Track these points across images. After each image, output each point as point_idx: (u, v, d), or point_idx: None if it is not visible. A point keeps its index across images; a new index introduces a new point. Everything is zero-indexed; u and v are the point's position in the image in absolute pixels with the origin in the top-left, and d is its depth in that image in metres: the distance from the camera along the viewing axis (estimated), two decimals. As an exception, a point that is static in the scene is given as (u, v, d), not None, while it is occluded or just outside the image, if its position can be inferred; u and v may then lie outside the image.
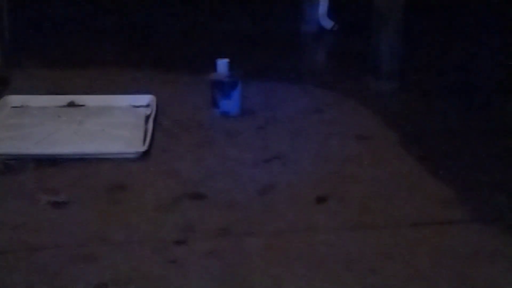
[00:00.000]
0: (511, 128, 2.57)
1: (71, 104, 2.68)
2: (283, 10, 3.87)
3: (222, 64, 2.66)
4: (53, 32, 3.57)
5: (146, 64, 3.12)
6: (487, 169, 2.26)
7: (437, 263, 1.79)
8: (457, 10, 3.86)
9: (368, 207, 2.04)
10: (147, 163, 2.29)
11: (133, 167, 2.26)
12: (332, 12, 3.61)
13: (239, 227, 1.94)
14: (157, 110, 2.60)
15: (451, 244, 1.88)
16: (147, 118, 2.57)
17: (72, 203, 2.04)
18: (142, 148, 2.33)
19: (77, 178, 2.19)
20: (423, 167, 2.27)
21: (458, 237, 1.91)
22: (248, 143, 2.44)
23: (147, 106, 2.66)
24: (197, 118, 2.61)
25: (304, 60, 3.39)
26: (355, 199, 2.09)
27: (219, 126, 2.56)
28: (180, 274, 1.75)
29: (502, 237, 1.91)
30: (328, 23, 3.61)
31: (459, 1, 3.96)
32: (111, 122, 2.52)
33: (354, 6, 3.74)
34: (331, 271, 1.76)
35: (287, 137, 2.48)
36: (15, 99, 2.68)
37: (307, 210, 2.03)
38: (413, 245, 1.87)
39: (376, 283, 1.72)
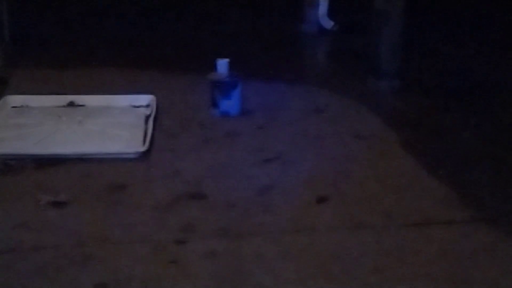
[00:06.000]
0: (511, 128, 2.57)
1: (71, 104, 2.68)
2: (283, 10, 3.87)
3: (222, 64, 2.66)
4: (53, 32, 3.57)
5: (146, 64, 3.12)
6: (487, 169, 2.26)
7: (437, 263, 1.79)
8: (457, 10, 3.86)
9: (368, 207, 2.04)
10: (147, 163, 2.29)
11: (133, 167, 2.26)
12: (332, 12, 3.61)
13: (239, 227, 1.94)
14: (157, 110, 2.60)
15: (451, 244, 1.88)
16: (147, 118, 2.57)
17: (72, 203, 2.04)
18: (142, 148, 2.33)
19: (77, 178, 2.19)
20: (423, 167, 2.27)
21: (458, 237, 1.91)
22: (248, 143, 2.44)
23: (147, 106, 2.66)
24: (197, 118, 2.61)
25: (304, 60, 3.39)
26: (355, 199, 2.09)
27: (219, 126, 2.56)
28: (180, 274, 1.75)
29: (502, 237, 1.91)
30: (328, 23, 3.61)
31: (459, 1, 3.96)
32: (111, 122, 2.52)
33: (354, 6, 3.73)
34: (331, 271, 1.76)
35: (287, 137, 2.48)
36: (15, 99, 2.68)
37: (307, 210, 2.03)
38: (413, 245, 1.87)
39: (376, 283, 1.72)
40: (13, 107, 2.66)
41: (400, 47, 2.91)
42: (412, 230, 1.94)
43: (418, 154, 2.35)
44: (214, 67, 2.67)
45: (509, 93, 2.89)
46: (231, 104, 2.62)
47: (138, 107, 2.67)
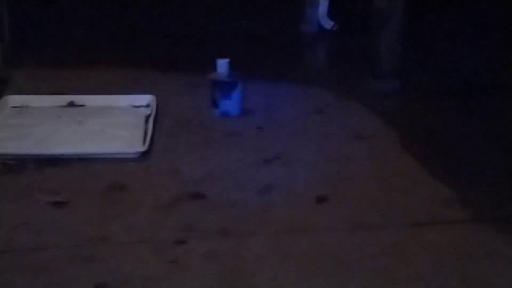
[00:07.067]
0: (511, 128, 2.57)
1: (71, 104, 2.68)
2: (283, 10, 3.87)
3: (222, 64, 2.66)
4: (53, 32, 3.57)
5: (146, 64, 3.12)
6: (487, 169, 2.26)
7: (437, 263, 1.80)
8: (457, 10, 3.86)
9: (368, 207, 2.04)
10: (147, 163, 2.29)
11: (133, 167, 2.26)
12: (332, 12, 3.61)
13: (239, 227, 1.94)
14: (157, 110, 2.61)
15: (451, 244, 1.88)
16: (147, 118, 2.57)
17: (72, 203, 2.04)
18: (142, 148, 2.33)
19: (77, 178, 2.19)
20: (423, 167, 2.27)
21: (458, 237, 1.91)
22: (248, 143, 2.44)
23: (147, 106, 2.66)
24: (197, 118, 2.61)
25: (304, 60, 3.39)
26: (355, 199, 2.09)
27: (219, 126, 2.56)
28: (180, 274, 1.75)
29: (502, 237, 1.91)
30: (328, 23, 3.61)
31: (459, 1, 3.96)
32: (111, 122, 2.52)
33: (354, 6, 3.73)
34: (331, 271, 1.76)
35: (287, 137, 2.48)
36: (15, 99, 2.68)
37: (307, 210, 2.03)
38: (413, 245, 1.88)
39: (376, 283, 1.72)
40: (13, 107, 2.66)
41: (400, 47, 2.91)
42: (412, 230, 1.94)
43: (418, 154, 2.35)
44: (214, 67, 2.67)
45: (509, 93, 2.89)
46: (231, 104, 2.62)
47: (138, 107, 2.67)
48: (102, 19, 3.80)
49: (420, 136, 2.50)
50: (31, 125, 2.50)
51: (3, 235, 1.89)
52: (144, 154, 2.32)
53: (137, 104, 2.68)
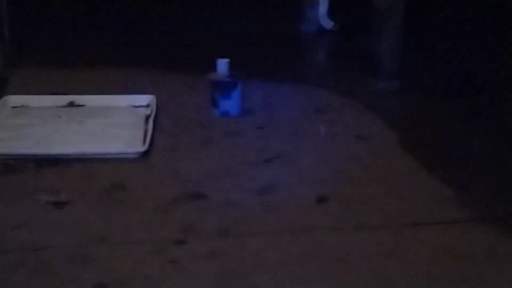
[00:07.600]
0: (511, 128, 2.57)
1: (71, 104, 2.68)
2: (283, 10, 3.87)
3: (222, 64, 2.66)
4: (53, 32, 3.57)
5: (146, 64, 3.12)
6: (487, 169, 2.26)
7: (437, 263, 1.80)
8: (456, 10, 3.86)
9: (368, 207, 2.04)
10: (147, 163, 2.29)
11: (133, 167, 2.26)
12: (332, 12, 3.61)
13: (239, 227, 1.94)
14: (157, 110, 2.61)
15: (451, 244, 1.88)
16: (147, 118, 2.57)
17: (72, 203, 2.04)
18: (142, 148, 2.33)
19: (77, 178, 2.19)
20: (423, 167, 2.27)
21: (458, 237, 1.91)
22: (248, 143, 2.44)
23: (147, 106, 2.66)
24: (197, 118, 2.61)
25: (304, 60, 3.39)
26: (355, 199, 2.09)
27: (219, 126, 2.56)
28: (180, 274, 1.75)
29: (502, 237, 1.91)
30: (328, 23, 3.61)
31: (459, 1, 3.96)
32: (111, 122, 2.52)
33: (354, 6, 3.73)
34: (331, 271, 1.76)
35: (287, 137, 2.48)
36: (15, 99, 2.68)
37: (307, 210, 2.03)
38: (413, 245, 1.88)
39: (376, 283, 1.72)
40: (13, 107, 2.66)
41: (400, 47, 2.91)
42: (412, 230, 1.94)
43: (418, 154, 2.35)
44: (214, 67, 2.67)
45: (509, 93, 2.89)
46: (231, 104, 2.62)
47: (138, 107, 2.67)
48: (102, 19, 3.80)
49: (420, 136, 2.50)
50: (31, 125, 2.50)
51: (3, 235, 1.89)
52: (144, 154, 2.32)
53: (137, 104, 2.68)
